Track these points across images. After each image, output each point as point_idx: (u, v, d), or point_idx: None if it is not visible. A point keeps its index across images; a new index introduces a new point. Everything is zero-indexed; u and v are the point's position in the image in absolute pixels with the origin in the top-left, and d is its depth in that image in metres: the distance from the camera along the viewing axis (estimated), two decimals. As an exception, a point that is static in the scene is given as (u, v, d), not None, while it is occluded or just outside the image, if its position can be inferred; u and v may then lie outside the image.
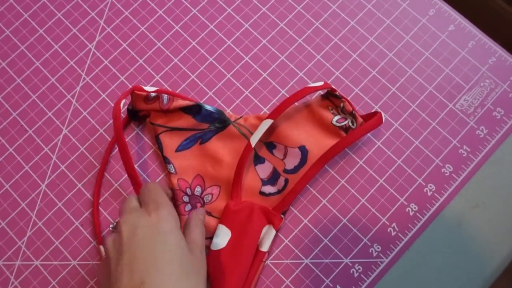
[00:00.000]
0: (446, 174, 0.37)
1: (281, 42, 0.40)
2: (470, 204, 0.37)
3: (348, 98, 0.38)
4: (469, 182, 0.37)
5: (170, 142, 0.37)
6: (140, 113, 0.38)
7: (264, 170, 0.37)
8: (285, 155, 0.37)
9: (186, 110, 0.37)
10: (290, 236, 0.36)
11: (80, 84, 0.40)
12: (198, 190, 0.37)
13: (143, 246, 0.28)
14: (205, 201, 0.36)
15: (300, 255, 0.36)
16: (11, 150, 0.39)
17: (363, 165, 0.37)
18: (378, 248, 0.36)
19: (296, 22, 0.41)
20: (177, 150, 0.37)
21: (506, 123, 0.38)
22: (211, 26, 0.41)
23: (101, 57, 0.41)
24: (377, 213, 0.36)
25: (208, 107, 0.37)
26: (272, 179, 0.37)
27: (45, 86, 0.40)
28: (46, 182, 0.38)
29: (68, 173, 0.38)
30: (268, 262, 0.35)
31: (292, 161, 0.37)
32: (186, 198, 0.36)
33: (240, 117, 0.38)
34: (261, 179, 0.37)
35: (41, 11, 0.42)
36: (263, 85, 0.39)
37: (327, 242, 0.36)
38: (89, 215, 0.37)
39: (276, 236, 0.36)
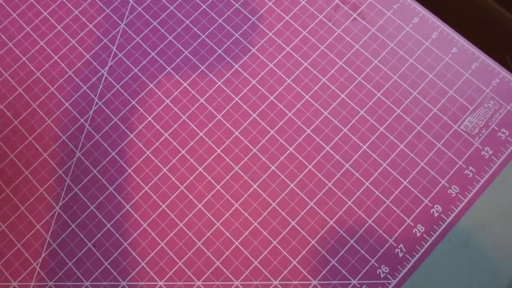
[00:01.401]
0: (453, 195, 0.37)
1: (271, 50, 0.41)
2: (477, 224, 0.37)
3: (353, 120, 0.39)
4: (475, 203, 0.37)
5: None
6: None
7: None
8: None
9: None
10: (298, 257, 0.37)
11: (93, 108, 0.42)
12: None
13: None
14: None
15: (308, 276, 0.36)
16: (26, 173, 0.40)
17: (370, 186, 0.38)
18: (386, 269, 0.36)
19: (301, 45, 0.42)
20: None
21: (511, 143, 0.38)
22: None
23: (113, 81, 0.42)
24: (384, 234, 0.37)
25: None
26: None
27: (59, 110, 0.42)
28: (60, 204, 0.39)
29: (81, 195, 0.39)
30: (276, 283, 0.36)
31: None
32: None
33: None
34: None
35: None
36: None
37: (335, 263, 0.36)
38: (101, 236, 0.38)
39: (284, 257, 0.37)
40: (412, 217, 0.37)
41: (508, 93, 0.39)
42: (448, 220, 0.37)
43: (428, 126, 0.39)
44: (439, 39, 0.41)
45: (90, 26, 0.44)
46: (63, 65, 0.43)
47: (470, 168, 0.38)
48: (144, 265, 0.37)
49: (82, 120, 0.41)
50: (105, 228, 0.38)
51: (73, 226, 0.38)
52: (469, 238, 0.37)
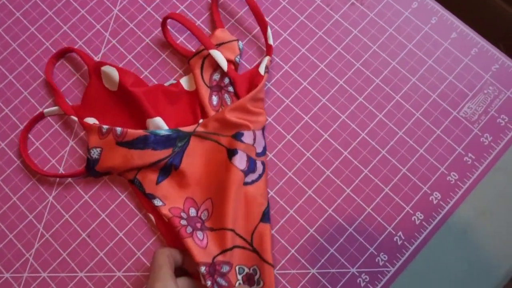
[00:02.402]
0: (452, 182, 0.37)
1: (285, 51, 0.41)
2: (476, 211, 0.37)
3: (352, 107, 0.39)
4: (474, 189, 0.37)
5: (148, 177, 0.36)
6: (97, 168, 0.37)
7: (240, 160, 0.36)
8: (254, 140, 0.37)
9: (142, 143, 0.36)
10: (296, 246, 0.36)
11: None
12: (192, 211, 0.36)
13: None
14: (203, 218, 0.36)
15: (307, 265, 0.36)
16: (18, 162, 0.39)
17: (368, 174, 0.37)
18: (385, 257, 0.36)
19: (298, 31, 0.41)
20: (157, 183, 0.36)
21: (510, 130, 0.38)
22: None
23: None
24: (383, 222, 0.36)
25: (163, 132, 0.36)
26: (251, 167, 0.37)
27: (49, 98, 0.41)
28: (53, 194, 0.38)
29: (75, 185, 0.38)
30: (274, 272, 0.35)
31: (260, 144, 0.37)
32: (183, 222, 0.35)
33: (198, 125, 0.38)
34: (242, 171, 0.36)
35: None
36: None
37: (334, 252, 0.36)
38: (96, 226, 0.37)
39: (282, 246, 0.36)
40: (411, 205, 0.37)
41: (507, 79, 0.39)
42: (447, 207, 0.36)
43: (427, 113, 0.38)
44: (438, 24, 0.41)
45: (83, 11, 0.43)
46: (53, 50, 0.42)
47: (470, 154, 0.37)
48: (140, 255, 0.36)
49: (71, 99, 0.40)
50: (100, 218, 0.37)
51: (66, 216, 0.38)
52: (468, 225, 0.36)
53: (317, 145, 0.38)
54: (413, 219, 0.36)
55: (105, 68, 0.38)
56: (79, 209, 0.38)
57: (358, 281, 0.35)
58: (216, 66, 0.39)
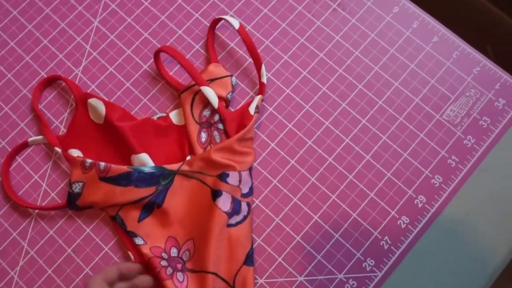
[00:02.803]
0: (436, 185, 0.37)
1: (268, 59, 0.41)
2: (461, 213, 0.37)
3: (335, 113, 0.39)
4: (459, 192, 0.37)
5: (130, 214, 0.36)
6: (78, 202, 0.36)
7: (224, 202, 0.35)
8: (240, 181, 0.36)
9: (125, 180, 0.35)
10: (283, 254, 0.36)
11: (68, 111, 0.40)
12: (174, 251, 0.36)
13: None
14: (185, 259, 0.35)
15: (294, 273, 0.36)
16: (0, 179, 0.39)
17: (353, 179, 0.37)
18: (372, 262, 0.36)
19: (280, 38, 0.41)
20: (139, 221, 0.36)
21: (492, 131, 0.38)
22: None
23: (88, 81, 0.41)
24: (369, 227, 0.36)
25: (147, 169, 0.36)
26: (235, 209, 0.36)
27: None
28: (37, 210, 0.38)
29: (58, 200, 0.38)
30: (262, 281, 0.35)
31: (247, 184, 0.37)
32: (164, 262, 0.35)
33: (183, 163, 0.37)
34: (226, 213, 0.35)
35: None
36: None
37: (320, 259, 0.36)
38: (81, 241, 0.37)
39: (269, 254, 0.36)
40: (396, 209, 0.37)
41: (489, 81, 0.39)
42: (432, 210, 0.37)
43: (411, 117, 0.39)
44: (420, 28, 0.41)
45: (62, 24, 0.43)
46: (35, 66, 0.42)
47: (453, 157, 0.38)
48: (127, 269, 0.36)
49: (57, 122, 0.40)
50: (85, 233, 0.37)
51: (51, 232, 0.37)
52: (453, 227, 0.37)
53: (301, 152, 0.38)
54: (398, 223, 0.37)
55: (92, 101, 0.37)
56: (64, 225, 0.37)
57: (346, 287, 0.35)
58: (206, 102, 0.38)
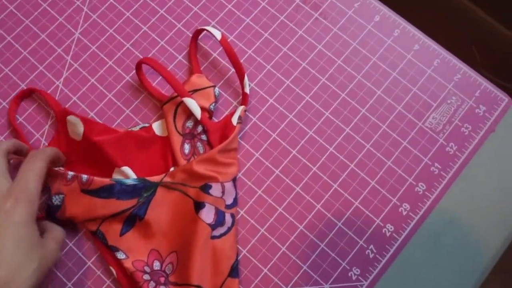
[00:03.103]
0: (420, 193, 0.37)
1: (251, 68, 0.41)
2: (445, 220, 0.37)
3: (319, 122, 0.39)
4: (442, 199, 0.37)
5: (111, 228, 0.35)
6: (57, 215, 0.35)
7: (207, 214, 0.35)
8: (223, 192, 0.36)
9: (107, 192, 0.35)
10: (269, 265, 0.36)
11: (49, 123, 0.40)
12: (157, 265, 0.35)
13: None
14: (168, 272, 0.35)
15: (280, 283, 0.35)
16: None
17: (338, 188, 0.37)
18: (357, 271, 0.36)
19: (263, 48, 0.41)
20: (121, 234, 0.35)
21: (474, 138, 0.38)
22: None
23: (69, 93, 0.40)
24: (354, 236, 0.36)
25: (129, 181, 0.35)
26: (219, 220, 0.35)
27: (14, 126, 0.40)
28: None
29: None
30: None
31: (230, 195, 0.36)
32: (147, 276, 0.34)
33: (165, 175, 0.36)
34: (209, 225, 0.35)
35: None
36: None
37: (306, 269, 0.36)
38: (63, 256, 0.36)
39: (254, 266, 0.36)
40: (381, 217, 0.37)
41: (469, 88, 0.40)
42: (417, 218, 0.37)
43: (393, 125, 0.39)
44: (400, 37, 0.41)
45: (43, 36, 0.42)
46: (14, 78, 0.41)
47: (436, 164, 0.38)
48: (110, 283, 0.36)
49: (37, 135, 0.39)
50: (67, 247, 0.36)
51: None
52: (438, 234, 0.37)
53: (285, 161, 0.38)
54: (383, 231, 0.37)
55: (71, 118, 0.37)
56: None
57: (332, 297, 0.35)
58: (189, 113, 0.38)
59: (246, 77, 0.38)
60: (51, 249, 0.32)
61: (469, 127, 0.39)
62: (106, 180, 0.35)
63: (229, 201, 0.36)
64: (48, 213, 0.35)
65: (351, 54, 0.41)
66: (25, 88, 0.40)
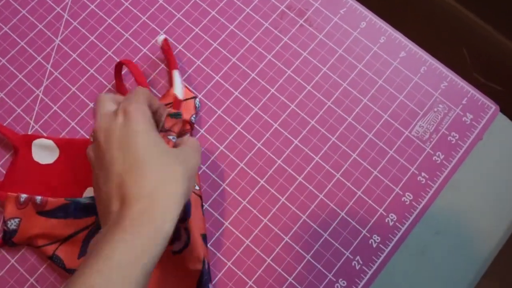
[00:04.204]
0: (407, 203, 0.37)
1: (240, 71, 0.40)
2: (432, 231, 0.37)
3: (304, 131, 0.38)
4: (429, 209, 0.37)
5: (68, 252, 0.34)
6: (15, 239, 0.34)
7: None
8: None
9: (63, 212, 0.34)
10: (254, 277, 0.35)
11: (30, 132, 0.39)
12: None
13: (118, 150, 0.27)
14: None
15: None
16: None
17: (324, 198, 0.37)
18: (344, 283, 0.35)
19: (247, 55, 0.40)
20: (79, 257, 0.34)
21: (461, 147, 0.38)
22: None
23: (49, 102, 0.39)
24: (340, 247, 0.36)
25: (84, 200, 0.35)
26: (175, 236, 0.34)
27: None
28: (-5, 239, 0.36)
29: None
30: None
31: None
32: None
33: None
34: None
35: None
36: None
37: (292, 281, 0.35)
38: (44, 270, 0.35)
39: (239, 278, 0.35)
40: (367, 228, 0.36)
41: (456, 96, 0.39)
42: (404, 229, 0.36)
43: (380, 134, 0.38)
44: (387, 44, 0.40)
45: (22, 43, 0.41)
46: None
47: (423, 174, 0.37)
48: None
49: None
50: (48, 262, 0.35)
51: (12, 261, 0.35)
52: (424, 245, 0.36)
53: (270, 171, 0.37)
54: (370, 242, 0.36)
55: (38, 142, 0.36)
56: (25, 253, 0.36)
57: (318, 310, 0.34)
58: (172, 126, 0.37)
59: (175, 73, 0.38)
60: (190, 154, 0.30)
61: (456, 135, 0.38)
62: (61, 200, 0.34)
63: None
64: (5, 238, 0.35)
65: (336, 61, 0.40)
66: (4, 97, 0.39)
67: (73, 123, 0.39)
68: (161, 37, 0.38)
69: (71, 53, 0.41)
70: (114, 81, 0.39)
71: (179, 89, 0.35)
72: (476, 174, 0.38)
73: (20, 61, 0.40)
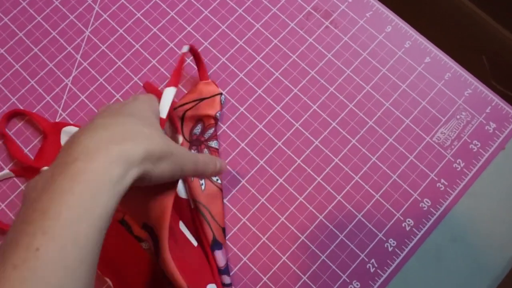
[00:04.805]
0: (424, 209, 0.37)
1: (260, 73, 0.40)
2: (449, 238, 0.36)
3: (325, 132, 0.38)
4: (447, 216, 0.37)
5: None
6: None
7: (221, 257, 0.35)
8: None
9: None
10: (269, 274, 0.36)
11: (57, 119, 0.40)
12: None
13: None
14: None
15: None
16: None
17: (342, 200, 0.37)
18: (357, 284, 0.35)
19: (272, 54, 0.41)
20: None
21: (482, 155, 0.38)
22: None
23: (77, 92, 0.40)
24: (355, 249, 0.36)
25: None
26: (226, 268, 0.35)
27: (20, 124, 0.40)
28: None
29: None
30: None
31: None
32: None
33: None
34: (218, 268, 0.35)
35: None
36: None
37: (306, 280, 0.35)
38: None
39: (254, 273, 0.36)
40: (383, 231, 0.36)
41: (480, 104, 0.39)
42: (420, 234, 0.36)
43: (401, 138, 0.38)
44: (412, 48, 0.40)
45: (54, 33, 0.42)
46: (25, 74, 0.41)
47: (442, 180, 0.37)
48: None
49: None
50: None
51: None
52: (440, 252, 0.36)
53: (290, 170, 0.38)
54: (386, 245, 0.36)
55: (68, 129, 0.37)
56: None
57: (330, 309, 0.35)
58: (196, 120, 0.38)
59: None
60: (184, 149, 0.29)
61: (478, 143, 0.38)
62: None
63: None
64: None
65: (360, 64, 0.40)
66: (35, 85, 0.41)
67: (99, 113, 0.40)
68: (184, 48, 0.37)
69: (100, 44, 0.42)
70: (140, 74, 0.40)
71: (164, 108, 0.33)
72: (496, 184, 0.37)
73: (51, 50, 0.42)
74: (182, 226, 0.34)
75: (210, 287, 0.33)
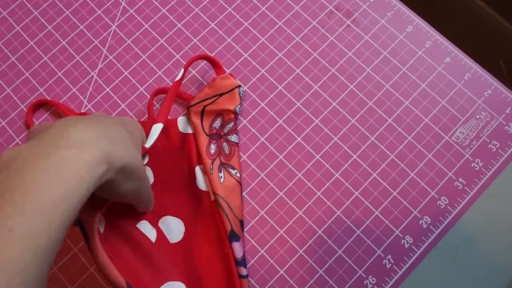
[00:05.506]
0: (442, 207, 0.37)
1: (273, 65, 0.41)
2: (465, 237, 0.37)
3: (344, 129, 0.39)
4: (464, 215, 0.37)
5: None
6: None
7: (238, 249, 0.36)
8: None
9: None
10: (285, 267, 0.36)
11: (83, 110, 0.41)
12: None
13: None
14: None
15: (296, 286, 0.36)
16: None
17: (359, 196, 0.37)
18: (373, 280, 0.36)
19: (293, 51, 0.42)
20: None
21: (501, 155, 0.38)
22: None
23: (102, 84, 0.42)
24: (372, 245, 0.36)
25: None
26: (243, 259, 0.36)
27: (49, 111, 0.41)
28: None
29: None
30: (272, 282, 0.36)
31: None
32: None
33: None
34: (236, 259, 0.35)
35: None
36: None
37: (322, 273, 0.36)
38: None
39: (270, 265, 0.36)
40: (400, 228, 0.37)
41: (500, 104, 0.39)
42: (437, 232, 0.37)
43: (419, 136, 0.39)
44: (432, 48, 0.41)
45: (81, 27, 0.44)
46: (52, 66, 0.42)
47: (460, 179, 0.38)
48: None
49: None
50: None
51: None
52: (456, 251, 0.36)
53: (308, 165, 0.38)
54: (402, 242, 0.36)
55: None
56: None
57: (346, 303, 0.35)
58: (217, 114, 0.39)
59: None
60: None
61: (497, 144, 0.38)
62: None
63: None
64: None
65: (381, 63, 0.41)
66: (62, 77, 0.42)
67: (123, 105, 0.41)
68: (178, 76, 0.38)
69: (125, 38, 0.43)
70: (164, 68, 0.41)
71: (150, 140, 0.35)
72: (515, 185, 0.38)
73: (79, 43, 0.43)
74: (142, 224, 0.36)
75: (172, 284, 0.34)
